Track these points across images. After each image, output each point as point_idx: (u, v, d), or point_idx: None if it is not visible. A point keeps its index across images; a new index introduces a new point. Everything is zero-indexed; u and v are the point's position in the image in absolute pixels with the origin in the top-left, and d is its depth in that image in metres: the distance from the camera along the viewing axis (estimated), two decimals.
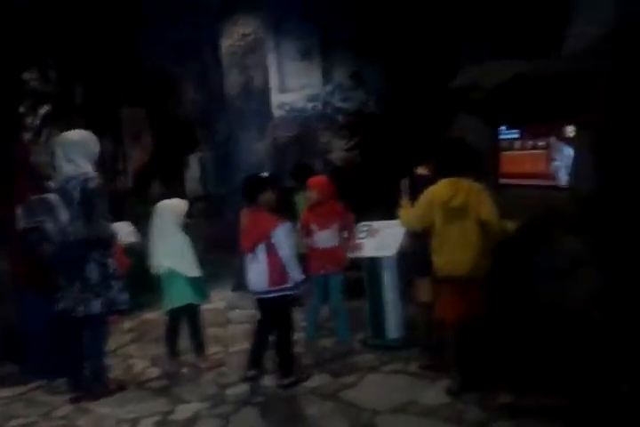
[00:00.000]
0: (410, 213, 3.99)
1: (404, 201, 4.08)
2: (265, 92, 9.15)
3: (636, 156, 3.30)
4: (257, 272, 4.03)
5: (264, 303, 4.13)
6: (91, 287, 4.15)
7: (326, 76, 9.52)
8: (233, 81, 9.10)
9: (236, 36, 9.01)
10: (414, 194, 4.02)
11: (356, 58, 9.44)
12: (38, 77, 7.27)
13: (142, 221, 5.14)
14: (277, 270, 4.00)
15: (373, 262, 4.65)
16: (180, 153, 9.17)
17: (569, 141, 3.90)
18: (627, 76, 3.45)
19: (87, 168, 4.08)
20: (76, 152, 4.01)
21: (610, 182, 3.43)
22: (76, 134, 4.15)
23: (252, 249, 4.01)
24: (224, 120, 9.26)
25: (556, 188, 4.06)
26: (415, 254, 4.30)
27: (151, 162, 8.69)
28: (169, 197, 4.91)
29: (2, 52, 6.25)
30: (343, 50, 9.41)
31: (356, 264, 4.83)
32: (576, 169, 3.69)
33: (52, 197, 4.03)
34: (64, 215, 3.98)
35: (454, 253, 3.76)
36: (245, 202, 4.24)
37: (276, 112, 9.22)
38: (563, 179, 4.01)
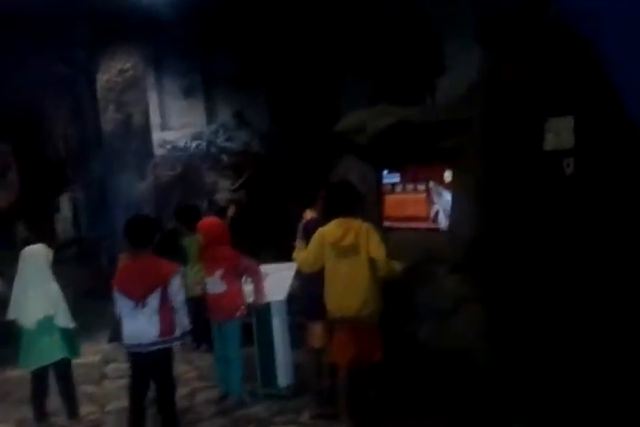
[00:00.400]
0: (304, 254, 3.94)
1: (299, 242, 4.02)
2: (145, 130, 8.85)
3: (511, 201, 3.48)
4: (144, 322, 3.64)
5: (147, 357, 3.70)
6: None
7: (210, 115, 9.43)
8: (110, 118, 8.72)
9: (113, 70, 8.69)
10: (307, 236, 3.99)
11: (239, 96, 9.46)
12: None
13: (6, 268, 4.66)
14: (168, 320, 3.69)
15: (262, 307, 4.49)
16: (49, 193, 8.53)
17: (447, 186, 4.06)
18: (496, 124, 3.67)
19: None
20: None
21: (487, 226, 3.58)
22: None
23: (144, 297, 3.63)
24: (99, 159, 8.79)
25: (436, 230, 4.20)
26: (307, 298, 4.21)
27: (16, 202, 8.00)
28: (36, 242, 4.47)
29: None
30: (226, 88, 9.39)
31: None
32: (455, 213, 3.83)
33: None
34: None
35: (345, 294, 3.75)
36: (131, 245, 3.86)
37: (158, 151, 8.92)
38: (443, 222, 4.15)
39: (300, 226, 4.09)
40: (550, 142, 3.53)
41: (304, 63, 8.48)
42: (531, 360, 3.31)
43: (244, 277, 4.48)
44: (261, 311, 4.50)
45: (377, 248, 3.72)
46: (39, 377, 4.27)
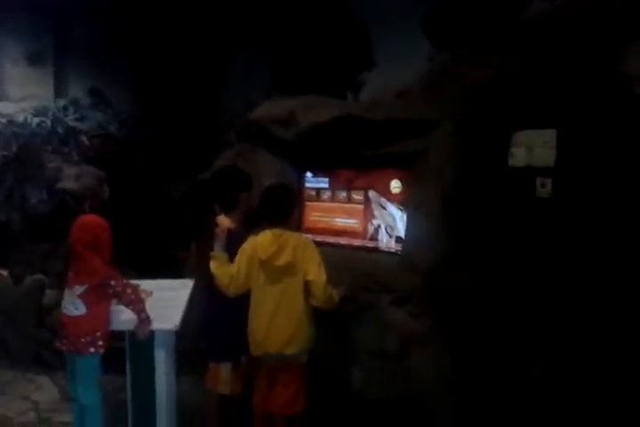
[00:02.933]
0: (232, 271, 2.99)
1: (219, 254, 3.05)
2: None
3: (487, 223, 2.90)
4: None
5: None
6: None
7: (59, 88, 7.85)
8: None
9: None
10: (230, 249, 3.06)
11: (97, 70, 8.01)
12: None
13: None
14: None
15: (141, 341, 3.40)
16: None
17: (393, 198, 3.38)
18: (475, 129, 3.07)
19: None
20: None
21: (454, 252, 2.95)
22: None
23: None
24: None
25: (374, 250, 3.50)
26: (216, 330, 3.22)
27: None
28: None
29: None
30: (83, 58, 7.89)
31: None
32: (411, 233, 3.15)
33: None
34: None
35: (272, 326, 2.96)
36: None
37: None
38: (384, 240, 3.46)
39: (219, 234, 3.11)
40: (519, 158, 3.04)
41: (182, 39, 7.38)
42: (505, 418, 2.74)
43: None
44: (141, 344, 3.41)
45: (317, 270, 2.98)
46: None
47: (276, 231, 3.01)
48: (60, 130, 7.59)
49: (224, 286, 3.03)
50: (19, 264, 6.31)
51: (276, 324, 2.95)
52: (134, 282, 3.54)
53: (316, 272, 2.95)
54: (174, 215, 6.33)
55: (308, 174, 3.87)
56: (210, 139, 7.19)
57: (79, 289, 3.15)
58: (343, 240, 3.69)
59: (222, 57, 7.12)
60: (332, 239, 3.74)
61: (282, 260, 2.95)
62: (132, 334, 3.32)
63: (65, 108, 7.73)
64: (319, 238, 3.69)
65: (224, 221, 3.24)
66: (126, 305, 3.22)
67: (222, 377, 3.17)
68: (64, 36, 7.87)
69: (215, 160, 6.60)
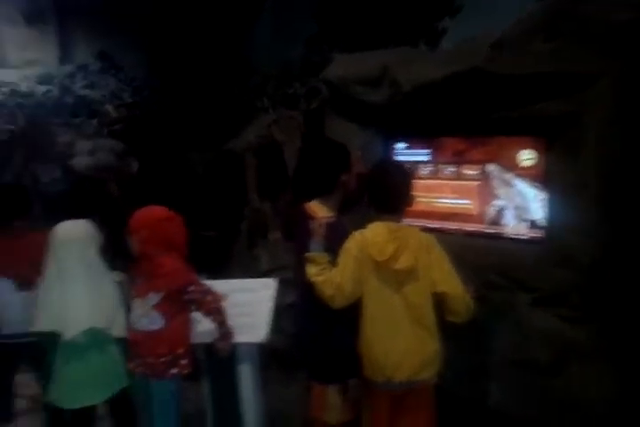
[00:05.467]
0: (336, 277, 2.33)
1: (317, 256, 2.38)
2: None
3: None
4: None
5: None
6: None
7: (64, 52, 7.04)
8: None
9: None
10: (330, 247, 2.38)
11: (105, 31, 7.17)
12: None
13: None
14: None
15: (218, 355, 2.79)
16: None
17: (526, 173, 2.72)
18: None
19: None
20: None
21: (624, 243, 2.31)
22: None
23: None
24: None
25: (497, 237, 2.85)
26: (317, 347, 2.58)
27: None
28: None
29: None
30: (88, 18, 7.03)
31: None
32: (561, 218, 2.49)
33: None
34: None
35: (401, 346, 2.32)
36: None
37: None
38: (510, 225, 2.81)
39: (316, 229, 2.42)
40: None
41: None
42: None
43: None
44: (219, 361, 2.80)
45: (450, 278, 2.31)
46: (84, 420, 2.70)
47: (392, 225, 2.33)
48: (68, 99, 6.82)
49: (328, 298, 2.36)
50: None
51: (402, 345, 2.30)
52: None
53: (449, 281, 2.29)
54: (200, 191, 5.67)
55: (400, 145, 3.18)
56: (236, 104, 6.45)
57: (154, 298, 2.52)
58: (451, 225, 3.04)
59: (247, 11, 6.30)
60: (434, 224, 3.08)
61: (402, 262, 2.27)
62: (211, 347, 2.71)
63: (72, 75, 6.94)
64: (417, 223, 3.03)
65: (319, 211, 2.56)
66: (206, 315, 2.61)
67: (330, 403, 2.55)
68: None
69: (244, 128, 5.92)
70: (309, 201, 2.62)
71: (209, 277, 3.30)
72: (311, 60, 5.37)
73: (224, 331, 2.62)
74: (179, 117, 6.72)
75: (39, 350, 3.00)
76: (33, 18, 6.79)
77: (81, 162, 6.58)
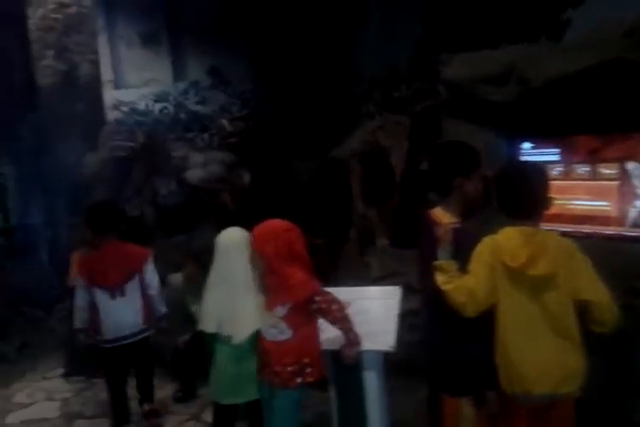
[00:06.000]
0: (469, 283, 2.22)
1: (446, 263, 2.28)
2: (95, 87, 6.69)
3: None
4: (127, 312, 3.55)
5: (129, 347, 3.56)
6: None
7: (178, 71, 7.40)
8: (47, 68, 6.49)
9: (50, 4, 6.43)
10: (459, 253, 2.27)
11: (214, 48, 7.45)
12: None
13: None
14: (149, 307, 3.65)
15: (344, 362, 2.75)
16: None
17: None
18: None
19: None
20: None
21: None
22: None
23: (121, 286, 3.53)
24: (32, 122, 6.57)
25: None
26: (449, 357, 2.47)
27: None
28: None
29: None
30: (199, 36, 7.35)
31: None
32: None
33: None
34: None
35: (543, 358, 2.16)
36: (95, 233, 3.58)
37: (110, 114, 6.82)
38: None
39: (443, 235, 2.32)
40: None
41: (305, 3, 6.62)
42: None
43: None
44: (344, 369, 2.76)
45: (595, 286, 2.12)
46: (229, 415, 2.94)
47: (526, 230, 2.18)
48: (182, 115, 7.16)
49: (460, 306, 2.24)
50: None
51: (543, 356, 2.14)
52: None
53: (595, 289, 2.10)
54: (306, 200, 5.70)
55: (527, 145, 3.00)
56: (342, 111, 6.44)
57: (282, 310, 2.54)
58: (587, 228, 2.81)
59: (353, 17, 6.29)
60: (567, 227, 2.87)
61: (540, 268, 2.11)
62: (336, 354, 2.68)
63: (186, 92, 7.27)
64: (548, 227, 2.83)
65: (443, 217, 2.45)
66: (332, 323, 2.58)
67: (464, 416, 2.42)
68: (177, 14, 7.37)
69: (349, 135, 5.87)
70: (420, 206, 2.54)
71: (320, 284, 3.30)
72: (418, 63, 5.26)
73: (351, 338, 2.59)
74: (285, 127, 6.84)
75: (145, 351, 3.67)
76: (148, 39, 7.19)
77: (194, 174, 6.86)
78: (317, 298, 2.53)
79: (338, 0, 6.31)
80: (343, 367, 2.74)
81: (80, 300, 3.51)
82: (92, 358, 4.05)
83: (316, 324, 2.63)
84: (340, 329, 2.58)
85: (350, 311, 2.76)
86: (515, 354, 2.19)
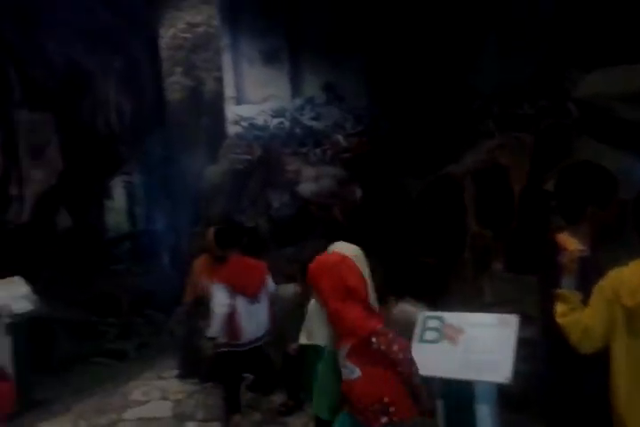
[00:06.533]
0: (582, 320, 2.07)
1: (567, 293, 2.14)
2: (218, 102, 7.04)
3: None
4: (261, 317, 3.95)
5: (251, 351, 3.84)
6: None
7: (295, 87, 7.62)
8: (175, 84, 6.93)
9: (180, 24, 6.88)
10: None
11: (330, 65, 7.60)
12: None
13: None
14: (272, 313, 4.07)
15: (457, 392, 2.65)
16: (97, 176, 6.83)
17: None
18: None
19: None
20: None
21: None
22: None
23: (258, 294, 3.95)
24: (161, 135, 7.03)
25: None
26: (564, 389, 2.32)
27: (58, 185, 6.32)
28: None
29: None
30: (316, 54, 7.54)
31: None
32: None
33: None
34: None
35: None
36: (220, 248, 4.10)
37: (231, 128, 7.14)
38: None
39: (567, 264, 2.18)
40: None
41: (421, 21, 6.58)
42: None
43: None
44: (457, 399, 2.65)
45: None
46: None
47: None
48: (297, 130, 7.34)
49: (575, 342, 2.07)
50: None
51: None
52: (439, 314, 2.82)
53: None
54: (416, 217, 5.59)
55: None
56: (458, 128, 6.32)
57: (344, 349, 2.44)
58: None
59: (472, 32, 6.17)
60: None
61: None
62: (447, 384, 2.59)
63: (302, 108, 7.46)
64: None
65: (570, 244, 2.29)
66: (394, 366, 2.37)
67: None
68: (297, 32, 7.60)
69: (464, 152, 5.72)
70: (541, 229, 2.39)
71: (429, 306, 3.21)
72: (543, 79, 5.04)
73: (411, 387, 2.40)
74: (399, 144, 6.81)
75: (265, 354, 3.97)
76: (269, 57, 7.46)
77: (306, 188, 7.00)
78: (375, 339, 2.35)
79: (456, 16, 6.20)
80: (453, 399, 2.64)
81: (221, 307, 3.70)
82: (207, 362, 4.22)
83: (390, 360, 2.43)
84: (400, 374, 2.37)
85: (462, 338, 2.66)
86: (630, 401, 1.99)
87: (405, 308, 3.74)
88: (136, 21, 6.69)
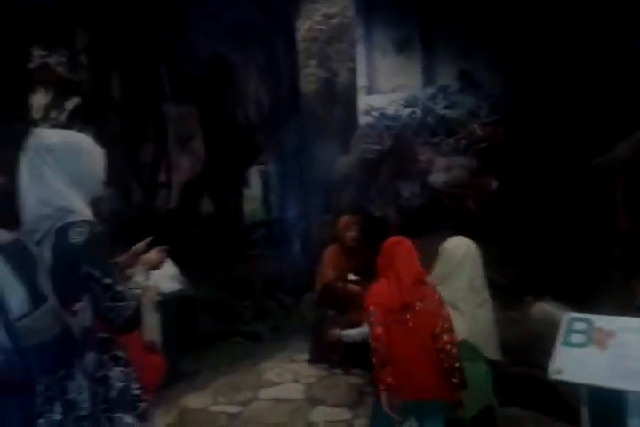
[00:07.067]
0: None
1: None
2: (351, 93, 7.09)
3: None
4: None
5: None
6: (78, 421, 2.06)
7: (428, 76, 7.46)
8: (310, 75, 7.07)
9: (316, 16, 6.99)
10: None
11: (465, 52, 7.33)
12: (66, 62, 5.45)
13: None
14: None
15: (605, 400, 2.47)
16: (237, 165, 7.18)
17: None
18: None
19: (75, 203, 1.96)
20: (61, 171, 1.93)
21: None
22: (65, 138, 2.04)
23: None
24: (296, 126, 7.23)
25: None
26: None
27: (202, 173, 6.74)
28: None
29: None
30: (450, 41, 7.31)
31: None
32: None
33: None
34: (14, 296, 1.84)
35: None
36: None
37: (362, 119, 7.16)
38: None
39: None
40: None
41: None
42: None
43: None
44: (603, 410, 2.47)
45: None
46: None
47: None
48: (429, 120, 7.20)
49: None
50: None
51: None
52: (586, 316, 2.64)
53: None
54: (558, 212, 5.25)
55: None
56: (612, 116, 5.82)
57: None
58: None
59: (630, 10, 5.64)
60: None
61: None
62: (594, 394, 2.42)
63: (434, 96, 7.29)
64: None
65: None
66: None
67: None
68: (430, 19, 7.42)
69: (617, 142, 5.27)
70: None
71: (571, 308, 3.02)
72: None
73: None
74: (540, 133, 6.43)
75: None
76: (402, 46, 7.37)
77: (438, 178, 6.87)
78: None
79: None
80: (600, 408, 2.47)
81: None
82: (339, 350, 4.30)
83: None
84: None
85: (612, 342, 2.47)
86: None
87: (545, 308, 3.57)
88: (277, 15, 6.90)
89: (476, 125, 6.06)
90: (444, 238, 2.97)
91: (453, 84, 7.38)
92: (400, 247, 2.72)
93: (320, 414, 4.08)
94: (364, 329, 2.75)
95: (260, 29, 6.84)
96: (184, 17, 6.29)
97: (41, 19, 4.78)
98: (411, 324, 2.51)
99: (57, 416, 1.80)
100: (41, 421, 1.78)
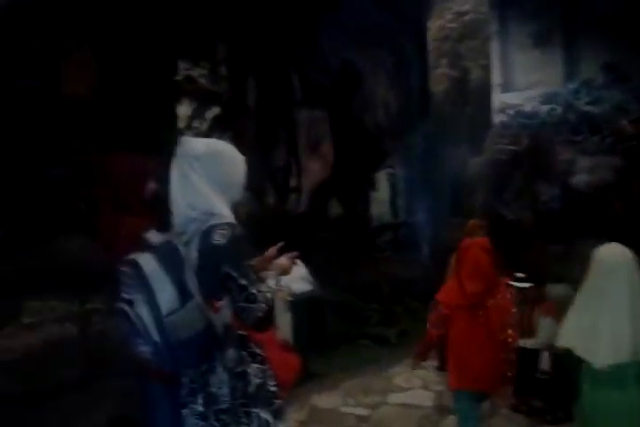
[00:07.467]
0: None
1: None
2: (484, 91, 6.84)
3: None
4: None
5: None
6: (218, 414, 2.16)
7: (569, 70, 6.99)
8: (441, 75, 6.93)
9: (447, 14, 6.82)
10: None
11: (612, 43, 6.78)
12: (207, 74, 5.81)
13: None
14: None
15: None
16: (364, 168, 7.21)
17: None
18: None
19: (218, 207, 2.05)
20: (206, 177, 2.04)
21: None
22: (210, 146, 2.15)
23: None
24: (424, 128, 7.11)
25: None
26: None
27: (331, 177, 6.85)
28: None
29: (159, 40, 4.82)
30: (596, 32, 6.80)
31: None
32: None
33: (145, 260, 1.92)
34: (164, 293, 1.97)
35: None
36: None
37: (497, 118, 6.87)
38: None
39: None
40: None
41: None
42: None
43: None
44: None
45: None
46: None
47: None
48: (571, 117, 6.74)
49: None
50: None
51: None
52: None
53: None
54: None
55: None
56: None
57: None
58: None
59: None
60: None
61: None
62: None
63: (576, 92, 6.82)
64: None
65: None
66: None
67: None
68: (574, 10, 6.94)
69: None
70: None
71: None
72: None
73: None
74: None
75: None
76: (540, 40, 6.98)
77: (581, 180, 6.41)
78: None
79: None
80: None
81: None
82: None
83: None
84: None
85: None
86: None
87: None
88: (407, 17, 6.84)
89: (625, 122, 5.54)
90: (592, 246, 2.73)
91: (597, 78, 6.87)
92: (470, 252, 3.04)
93: (451, 424, 3.95)
94: None
95: (388, 33, 6.81)
96: (312, 23, 6.43)
97: (186, 33, 5.12)
98: (482, 320, 2.90)
99: (200, 408, 1.90)
100: (185, 411, 1.89)
